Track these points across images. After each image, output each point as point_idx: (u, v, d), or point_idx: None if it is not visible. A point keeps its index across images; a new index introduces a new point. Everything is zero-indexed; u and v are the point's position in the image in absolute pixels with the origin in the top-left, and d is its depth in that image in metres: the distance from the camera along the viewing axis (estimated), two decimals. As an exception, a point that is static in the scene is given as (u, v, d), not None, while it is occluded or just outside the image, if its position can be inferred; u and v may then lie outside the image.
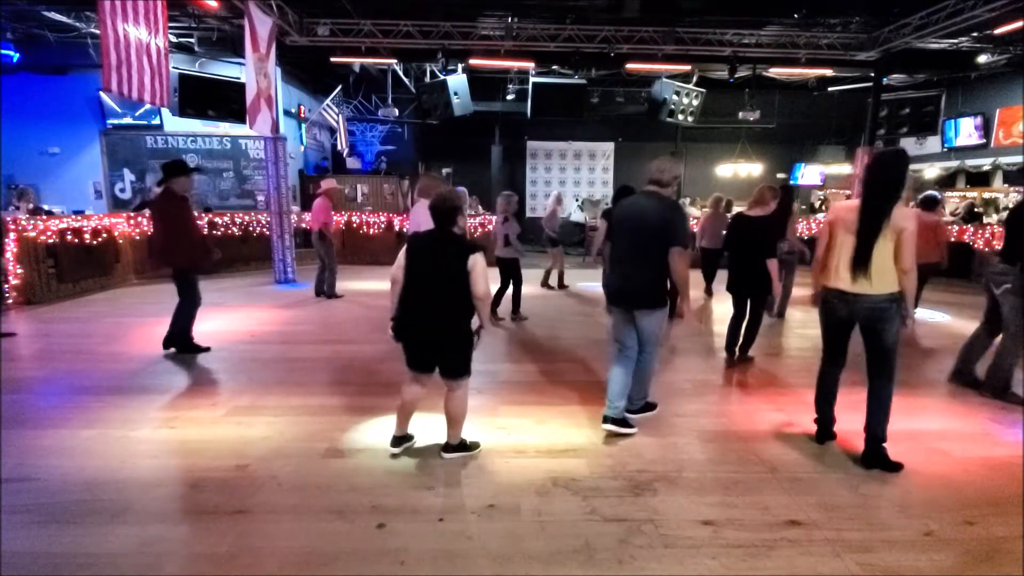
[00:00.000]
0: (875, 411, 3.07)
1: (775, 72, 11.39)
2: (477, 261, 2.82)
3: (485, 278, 2.85)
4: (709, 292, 8.02)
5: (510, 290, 6.49)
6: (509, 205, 6.35)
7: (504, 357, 5.24)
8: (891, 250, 2.88)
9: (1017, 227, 4.01)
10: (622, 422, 3.46)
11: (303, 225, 10.33)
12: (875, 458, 3.06)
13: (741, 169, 14.80)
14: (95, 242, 8.05)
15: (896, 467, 3.03)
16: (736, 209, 7.83)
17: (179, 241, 4.86)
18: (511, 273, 6.39)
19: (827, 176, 15.06)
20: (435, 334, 2.93)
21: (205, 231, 9.35)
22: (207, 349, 5.15)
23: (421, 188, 4.83)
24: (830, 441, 3.37)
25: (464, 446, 3.18)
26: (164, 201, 4.91)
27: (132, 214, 9.20)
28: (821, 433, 3.38)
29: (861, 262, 2.93)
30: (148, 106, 9.73)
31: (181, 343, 5.10)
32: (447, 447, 3.16)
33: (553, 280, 8.82)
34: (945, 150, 12.58)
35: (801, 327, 6.35)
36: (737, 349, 4.99)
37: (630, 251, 3.37)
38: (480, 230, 10.95)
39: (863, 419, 3.12)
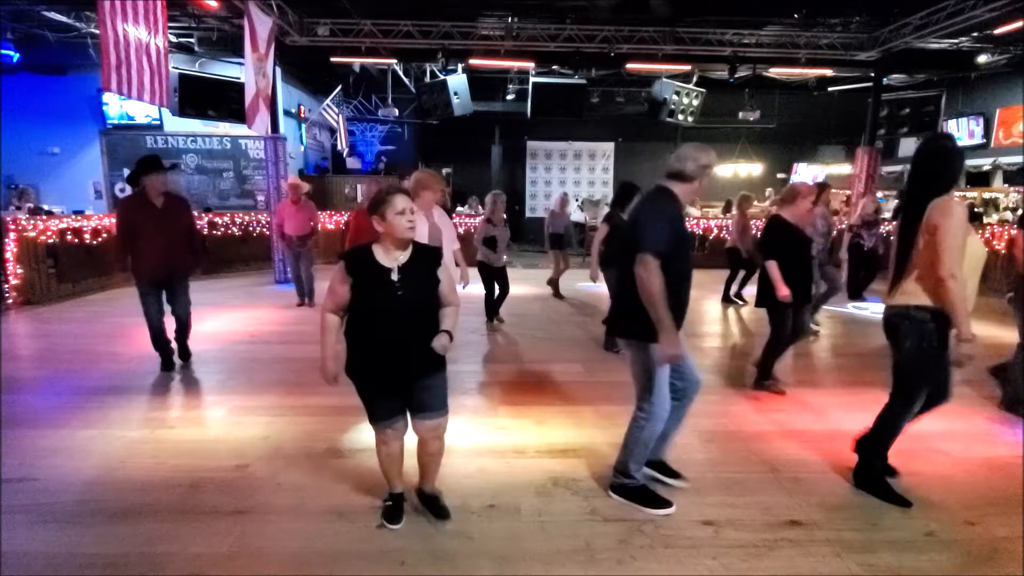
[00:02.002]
0: (871, 432, 2.79)
1: (775, 72, 11.39)
2: (337, 269, 2.30)
3: (332, 290, 2.29)
4: (727, 298, 7.73)
5: (498, 293, 6.29)
6: (495, 205, 6.13)
7: (503, 357, 5.24)
8: (921, 253, 2.46)
9: None
10: (633, 493, 2.70)
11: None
12: (861, 480, 2.82)
13: (741, 169, 14.81)
14: (95, 242, 8.05)
15: (897, 501, 2.70)
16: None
17: (119, 248, 4.36)
18: (483, 278, 6.15)
19: (827, 176, 15.06)
20: None
21: (204, 231, 9.34)
22: (172, 366, 4.68)
23: (409, 186, 3.82)
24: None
25: (385, 505, 2.59)
26: (122, 202, 4.70)
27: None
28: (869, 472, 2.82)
29: (897, 270, 2.54)
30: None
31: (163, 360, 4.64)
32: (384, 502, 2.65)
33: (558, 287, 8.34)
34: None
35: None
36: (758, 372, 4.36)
37: (619, 263, 2.72)
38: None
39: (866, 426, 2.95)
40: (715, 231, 11.49)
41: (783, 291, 3.98)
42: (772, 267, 4.01)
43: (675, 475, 2.86)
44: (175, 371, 4.65)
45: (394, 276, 2.26)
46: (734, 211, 7.85)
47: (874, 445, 2.80)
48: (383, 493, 2.64)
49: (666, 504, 2.66)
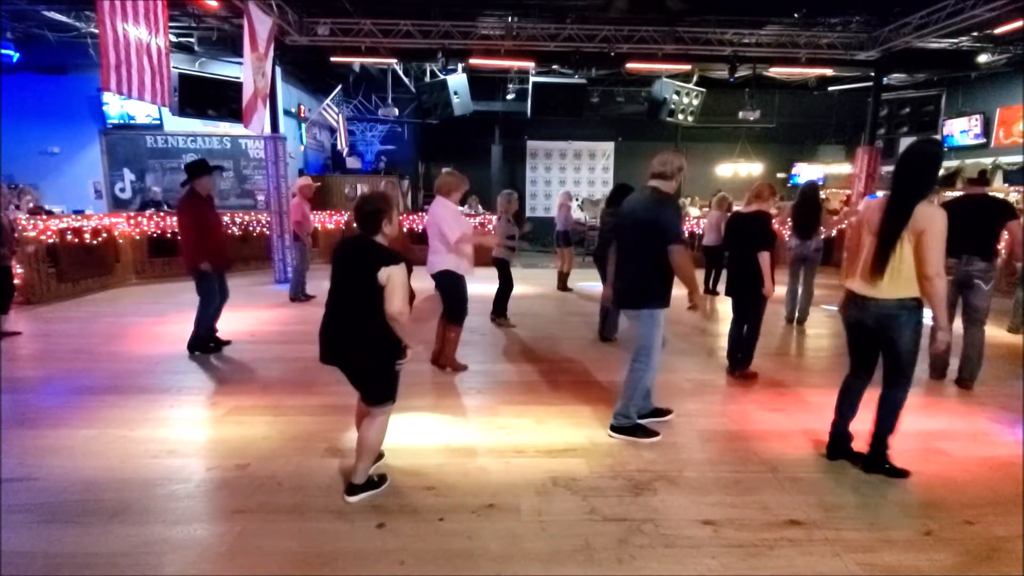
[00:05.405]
0: (880, 417, 2.98)
1: (775, 72, 11.38)
2: (392, 275, 2.49)
3: (401, 294, 2.53)
4: (714, 291, 8.07)
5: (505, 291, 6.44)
6: (510, 204, 6.37)
7: (504, 357, 5.23)
8: (910, 253, 2.68)
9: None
10: (629, 430, 3.40)
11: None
12: (876, 464, 3.01)
13: (741, 169, 14.81)
14: (95, 242, 8.05)
15: (900, 473, 2.97)
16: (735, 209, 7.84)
17: (197, 241, 4.90)
18: (500, 274, 6.34)
19: (827, 176, 15.06)
20: (338, 352, 2.66)
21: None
22: (218, 348, 5.23)
23: (439, 185, 4.56)
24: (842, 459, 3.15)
25: (371, 484, 2.78)
26: (185, 202, 4.99)
27: (131, 213, 9.22)
28: (832, 447, 3.18)
29: (877, 266, 2.74)
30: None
31: (196, 342, 5.13)
32: (350, 489, 2.72)
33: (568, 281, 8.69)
34: (945, 150, 12.57)
35: (812, 327, 6.33)
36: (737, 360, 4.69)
37: (625, 251, 3.37)
38: (479, 230, 10.95)
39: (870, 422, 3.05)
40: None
41: (770, 285, 4.34)
42: (766, 260, 4.32)
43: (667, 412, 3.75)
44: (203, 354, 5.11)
45: None
46: (706, 210, 8.09)
47: (888, 429, 2.98)
48: (384, 491, 2.72)
49: (654, 434, 3.42)
